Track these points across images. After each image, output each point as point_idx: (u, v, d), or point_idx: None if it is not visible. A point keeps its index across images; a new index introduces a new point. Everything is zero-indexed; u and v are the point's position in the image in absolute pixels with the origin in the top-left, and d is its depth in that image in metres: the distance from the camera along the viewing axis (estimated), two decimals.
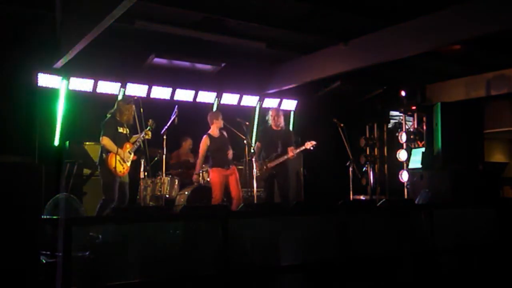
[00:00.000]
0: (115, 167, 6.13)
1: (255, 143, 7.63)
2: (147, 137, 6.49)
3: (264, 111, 10.24)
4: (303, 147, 7.48)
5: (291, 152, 7.37)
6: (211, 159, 7.39)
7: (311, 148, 7.45)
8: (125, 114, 6.47)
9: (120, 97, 8.45)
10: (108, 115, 6.45)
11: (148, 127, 6.52)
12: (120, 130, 6.40)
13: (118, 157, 6.20)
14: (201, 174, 7.97)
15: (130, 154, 6.42)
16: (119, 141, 6.32)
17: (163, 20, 6.99)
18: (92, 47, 6.58)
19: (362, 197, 10.11)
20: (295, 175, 9.02)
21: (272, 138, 7.54)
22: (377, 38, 7.53)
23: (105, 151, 6.25)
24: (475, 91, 9.53)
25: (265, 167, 7.40)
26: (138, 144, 6.46)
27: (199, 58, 8.65)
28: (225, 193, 7.39)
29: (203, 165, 8.04)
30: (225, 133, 7.54)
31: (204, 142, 7.38)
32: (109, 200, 6.15)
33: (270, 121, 7.63)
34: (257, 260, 4.15)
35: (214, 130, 7.46)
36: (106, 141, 6.22)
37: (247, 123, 7.59)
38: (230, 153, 7.45)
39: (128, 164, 6.39)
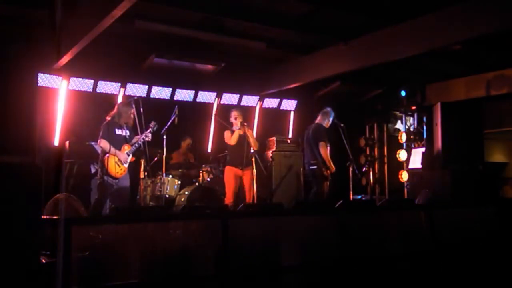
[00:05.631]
0: (112, 168, 6.22)
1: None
2: (147, 139, 6.51)
3: (264, 111, 10.28)
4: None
5: None
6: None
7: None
8: (124, 117, 6.51)
9: (120, 98, 8.48)
10: (108, 118, 6.50)
11: (150, 129, 6.54)
12: (119, 132, 6.45)
13: (115, 159, 6.28)
14: (201, 174, 7.98)
15: (129, 155, 6.45)
16: (117, 143, 6.39)
17: (163, 20, 6.98)
18: (92, 47, 6.59)
19: (362, 197, 10.11)
20: (295, 175, 9.01)
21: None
22: (377, 38, 7.52)
23: (104, 152, 6.33)
24: (475, 91, 9.52)
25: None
26: (137, 145, 6.48)
27: (199, 58, 8.65)
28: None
29: (203, 165, 8.05)
30: None
31: None
32: (102, 199, 6.25)
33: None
34: (257, 260, 4.15)
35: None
36: (103, 143, 6.31)
37: (247, 123, 7.59)
38: None
39: (126, 166, 6.41)
